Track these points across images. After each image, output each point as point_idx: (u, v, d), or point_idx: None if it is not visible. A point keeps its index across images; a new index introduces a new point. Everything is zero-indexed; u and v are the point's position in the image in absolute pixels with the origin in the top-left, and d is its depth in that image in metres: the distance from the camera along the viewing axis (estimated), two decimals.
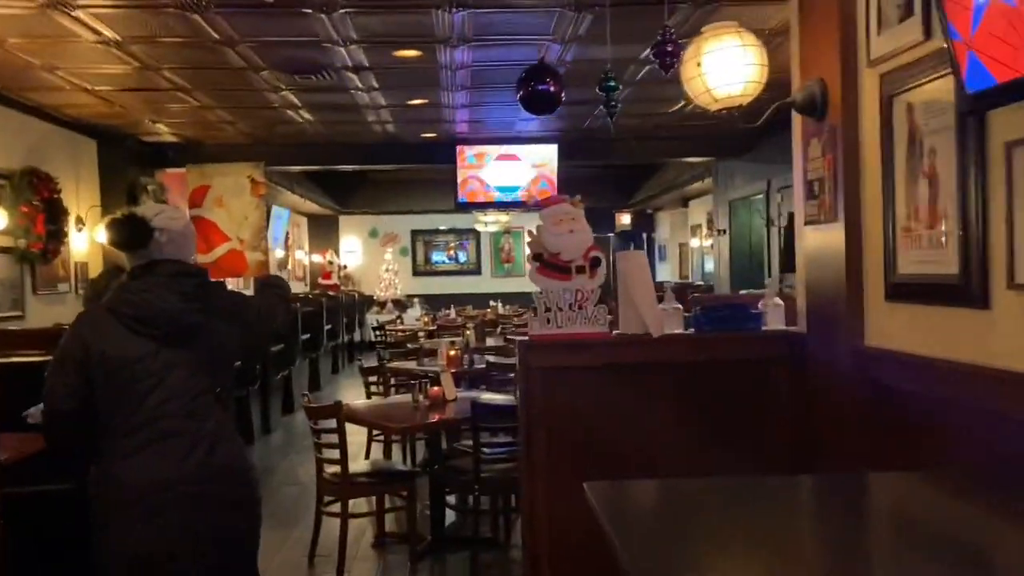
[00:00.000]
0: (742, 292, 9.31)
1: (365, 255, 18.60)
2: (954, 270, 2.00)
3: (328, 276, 18.09)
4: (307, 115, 7.26)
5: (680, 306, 3.09)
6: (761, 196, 8.75)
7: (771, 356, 2.97)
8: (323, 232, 18.39)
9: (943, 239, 2.05)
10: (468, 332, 9.55)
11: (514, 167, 8.81)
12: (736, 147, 9.01)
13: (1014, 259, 1.80)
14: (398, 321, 13.49)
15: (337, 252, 18.47)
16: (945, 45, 1.99)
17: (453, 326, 11.70)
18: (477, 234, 18.78)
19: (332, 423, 4.33)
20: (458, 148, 8.70)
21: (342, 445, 4.32)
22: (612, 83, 3.58)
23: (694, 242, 15.38)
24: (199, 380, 2.21)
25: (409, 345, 9.06)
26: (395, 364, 7.25)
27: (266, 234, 9.11)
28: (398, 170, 17.77)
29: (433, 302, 16.46)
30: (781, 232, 8.15)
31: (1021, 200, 1.78)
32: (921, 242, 2.15)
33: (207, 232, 9.17)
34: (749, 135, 8.43)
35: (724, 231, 9.69)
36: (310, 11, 4.34)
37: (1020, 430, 1.81)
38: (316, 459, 4.45)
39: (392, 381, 6.68)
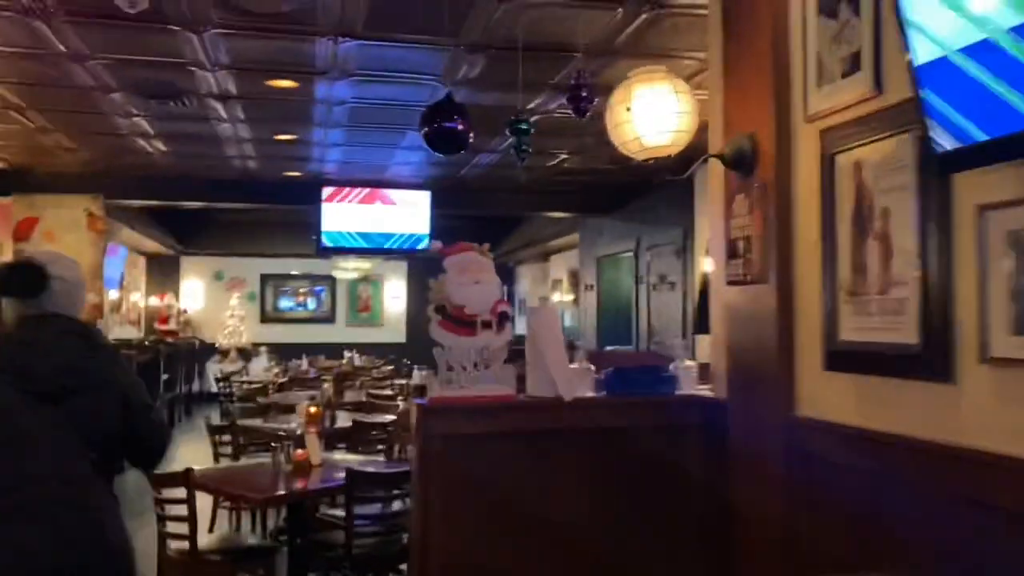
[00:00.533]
0: (608, 348, 9.32)
1: (208, 299, 17.50)
2: (913, 340, 1.88)
3: (166, 321, 16.91)
4: (159, 145, 6.63)
5: (592, 366, 2.87)
6: (630, 254, 8.84)
7: (687, 423, 2.79)
8: (163, 273, 17.19)
9: (898, 306, 1.93)
10: (325, 386, 9.02)
11: (385, 212, 8.46)
12: (604, 205, 9.09)
13: (987, 331, 1.69)
14: (244, 372, 12.64)
15: (177, 295, 17.31)
16: (897, 100, 1.92)
17: (306, 378, 11.06)
18: (332, 281, 18.15)
19: (179, 491, 3.79)
20: (324, 190, 8.26)
21: (192, 518, 3.78)
22: (524, 126, 3.38)
23: (555, 297, 15.46)
24: (79, 447, 2.02)
25: (260, 399, 8.40)
26: (247, 422, 6.64)
27: (101, 274, 8.26)
28: (248, 210, 17.00)
29: (282, 351, 15.63)
30: (650, 290, 8.23)
31: (995, 267, 1.68)
32: (870, 308, 2.03)
33: None
34: (619, 193, 8.53)
35: (591, 287, 9.71)
36: (178, 28, 3.89)
37: (984, 514, 1.68)
38: (159, 533, 3.88)
39: (242, 441, 6.08)
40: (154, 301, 16.71)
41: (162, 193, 8.44)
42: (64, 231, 8.01)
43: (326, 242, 8.37)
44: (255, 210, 17.07)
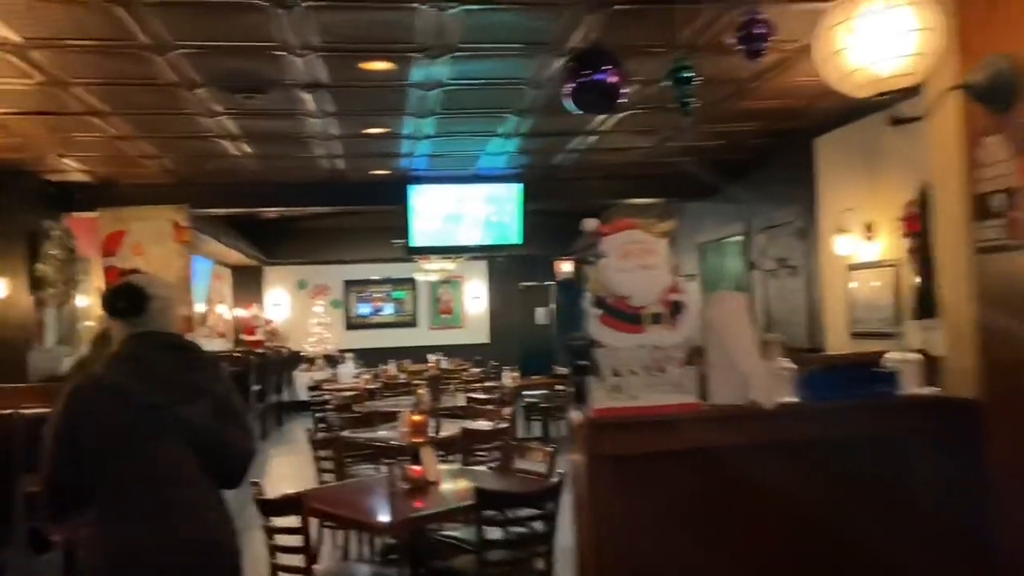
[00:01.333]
0: None
1: (293, 308, 17.50)
2: None
3: (252, 332, 16.95)
4: (244, 147, 6.33)
5: (793, 366, 2.33)
6: (738, 238, 8.19)
7: (917, 430, 2.23)
8: (247, 284, 17.24)
9: None
10: (421, 391, 8.67)
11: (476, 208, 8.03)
12: (707, 187, 8.47)
13: None
14: (334, 379, 12.42)
15: (263, 305, 17.35)
16: None
17: (397, 384, 10.76)
18: (413, 283, 17.94)
19: (292, 519, 3.42)
20: (413, 187, 7.87)
21: (307, 549, 3.39)
22: (687, 72, 2.85)
23: None
24: (184, 451, 2.21)
25: (356, 408, 8.09)
26: (348, 434, 6.30)
27: (189, 286, 8.07)
28: (328, 216, 16.95)
29: (367, 357, 15.45)
30: (766, 276, 7.57)
31: None
32: None
33: None
34: (724, 173, 7.90)
35: (692, 276, 9.10)
36: (266, 3, 3.49)
37: None
38: (271, 565, 3.51)
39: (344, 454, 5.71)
40: (239, 312, 16.77)
41: (247, 199, 8.18)
42: (151, 243, 7.82)
43: (415, 242, 7.98)
44: (335, 216, 17.00)
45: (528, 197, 8.09)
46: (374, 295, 18.25)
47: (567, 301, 19.05)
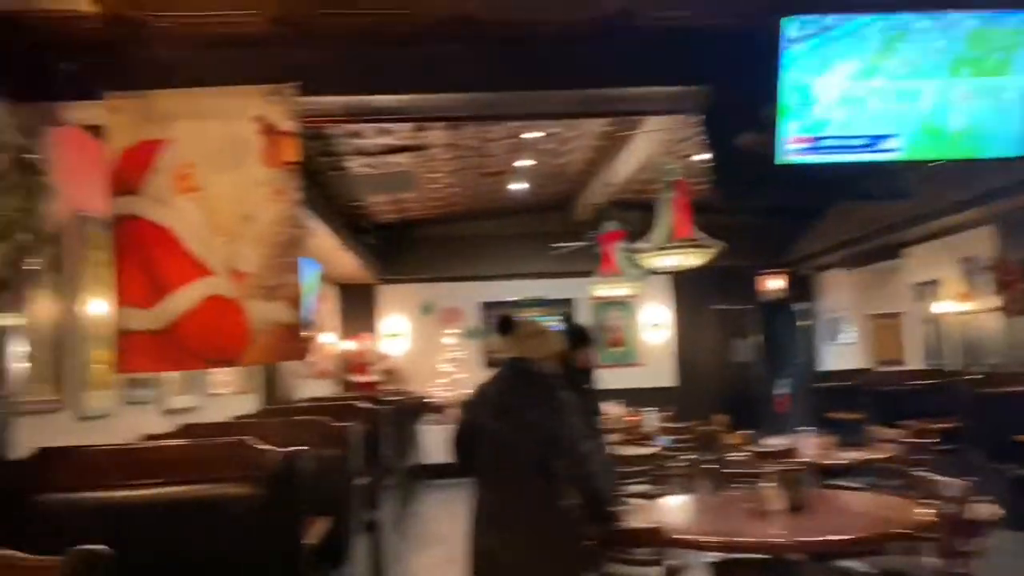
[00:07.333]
0: None
1: (415, 340, 13.44)
2: None
3: (363, 370, 12.95)
4: None
5: None
6: None
7: None
8: (356, 308, 13.31)
9: None
10: (769, 489, 4.18)
11: None
12: None
13: None
14: None
15: (376, 336, 13.37)
16: None
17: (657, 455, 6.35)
18: (570, 306, 13.64)
19: None
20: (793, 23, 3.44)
21: None
22: None
23: (939, 307, 10.06)
24: (520, 445, 3.25)
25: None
26: None
27: (297, 259, 3.76)
28: (462, 220, 12.89)
29: None
30: None
31: None
32: None
33: (150, 254, 3.79)
34: None
35: None
36: None
37: None
38: None
39: None
40: (348, 345, 12.83)
41: (416, 76, 3.76)
42: (216, 167, 3.55)
43: (788, 148, 3.52)
44: (471, 220, 12.89)
45: None
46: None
47: (777, 330, 14.38)
